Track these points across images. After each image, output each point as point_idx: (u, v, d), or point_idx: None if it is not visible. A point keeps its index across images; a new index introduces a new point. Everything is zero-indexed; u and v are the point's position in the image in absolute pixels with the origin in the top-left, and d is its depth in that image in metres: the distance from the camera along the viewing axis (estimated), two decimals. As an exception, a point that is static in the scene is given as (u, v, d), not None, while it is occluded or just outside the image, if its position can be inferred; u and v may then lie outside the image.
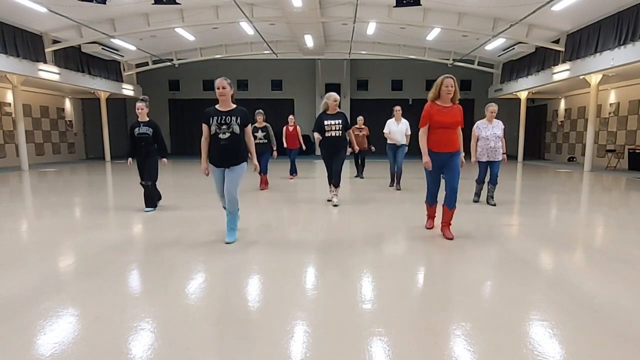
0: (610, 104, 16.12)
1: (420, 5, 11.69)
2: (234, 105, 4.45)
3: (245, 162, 4.47)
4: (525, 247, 4.44)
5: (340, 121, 6.55)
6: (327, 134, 6.57)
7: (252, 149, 4.58)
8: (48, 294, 3.04)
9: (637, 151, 14.10)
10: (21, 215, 6.42)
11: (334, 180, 6.83)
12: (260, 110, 8.84)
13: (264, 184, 8.89)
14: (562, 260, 4.02)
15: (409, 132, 8.79)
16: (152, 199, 6.38)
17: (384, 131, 8.88)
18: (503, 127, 6.84)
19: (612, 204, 7.64)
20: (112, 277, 3.46)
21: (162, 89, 24.57)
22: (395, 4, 11.66)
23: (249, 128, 4.50)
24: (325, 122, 6.56)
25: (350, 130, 6.85)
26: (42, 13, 12.15)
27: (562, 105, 19.85)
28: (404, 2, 11.51)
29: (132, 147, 6.14)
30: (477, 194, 7.24)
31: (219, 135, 4.32)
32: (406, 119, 9.00)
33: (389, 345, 2.31)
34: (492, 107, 6.79)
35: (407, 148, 8.86)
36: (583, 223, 5.97)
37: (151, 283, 3.43)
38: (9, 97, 15.67)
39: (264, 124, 8.79)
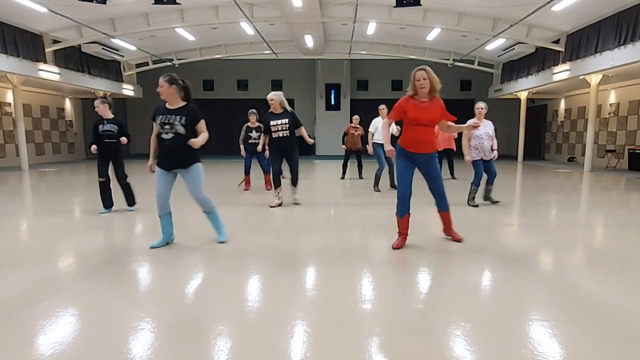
0: (610, 104, 16.12)
1: (420, 5, 11.68)
2: (184, 103, 4.18)
3: (199, 163, 4.25)
4: (525, 247, 4.44)
5: (286, 120, 6.38)
6: (274, 135, 6.43)
7: (198, 143, 4.15)
8: (48, 294, 3.04)
9: (637, 151, 14.09)
10: (21, 215, 6.42)
11: (293, 180, 6.83)
12: (254, 110, 8.63)
13: (268, 184, 8.74)
14: (562, 261, 4.02)
15: (395, 131, 8.68)
16: (132, 196, 6.46)
17: (369, 129, 8.57)
18: (494, 126, 6.85)
19: (612, 204, 7.64)
20: (112, 276, 3.46)
21: (162, 89, 24.51)
22: (395, 4, 11.66)
23: (202, 123, 4.20)
24: (271, 123, 6.43)
25: (302, 128, 6.62)
26: (42, 13, 12.14)
27: (562, 105, 19.85)
28: (404, 2, 11.50)
29: (96, 143, 6.12)
30: (474, 198, 6.88)
31: (162, 136, 4.11)
32: None
33: (389, 345, 2.31)
34: (479, 104, 6.59)
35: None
36: (583, 223, 5.97)
37: (151, 283, 3.43)
38: (9, 97, 15.67)
39: (257, 124, 8.52)
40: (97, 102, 6.14)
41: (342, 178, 10.95)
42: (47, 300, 2.91)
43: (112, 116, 6.16)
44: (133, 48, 16.86)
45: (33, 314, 2.66)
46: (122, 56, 18.06)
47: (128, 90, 20.17)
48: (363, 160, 10.77)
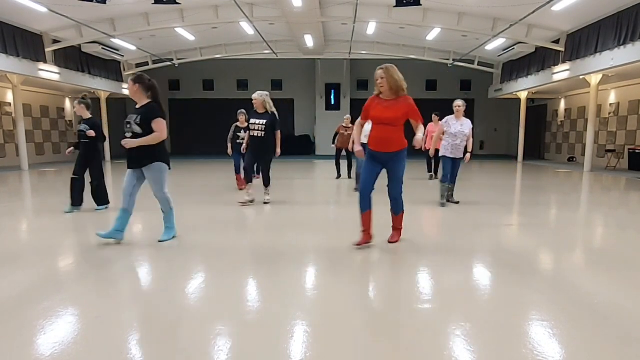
0: (610, 104, 16.12)
1: (420, 5, 11.68)
2: (146, 102, 4.22)
3: (159, 162, 4.24)
4: (524, 247, 4.44)
5: (264, 122, 6.44)
6: (251, 133, 6.57)
7: (133, 143, 4.16)
8: (48, 294, 3.04)
9: (637, 151, 14.09)
10: (21, 214, 6.42)
11: (264, 181, 6.89)
12: (243, 110, 8.61)
13: (240, 182, 8.63)
14: (562, 261, 4.02)
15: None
16: (101, 197, 6.46)
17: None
18: (472, 126, 6.58)
19: (612, 204, 7.64)
20: (112, 276, 3.46)
21: (162, 89, 24.02)
22: (395, 4, 11.65)
23: (157, 122, 4.17)
24: (250, 121, 6.56)
25: (278, 132, 6.61)
26: (42, 13, 12.14)
27: (562, 105, 19.85)
28: (404, 2, 11.50)
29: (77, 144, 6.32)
30: (444, 196, 6.71)
31: (125, 135, 4.19)
32: None
33: (389, 345, 2.31)
34: (457, 102, 6.45)
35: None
36: (583, 223, 5.97)
37: (151, 283, 3.43)
38: (9, 97, 15.66)
39: (246, 124, 8.37)
40: (75, 103, 6.28)
41: (338, 177, 10.99)
42: (47, 300, 2.91)
43: (89, 116, 6.22)
44: (133, 48, 16.85)
45: (33, 314, 2.66)
46: (122, 56, 18.06)
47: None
48: (353, 159, 10.77)
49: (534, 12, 12.27)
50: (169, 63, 19.50)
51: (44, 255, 4.10)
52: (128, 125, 4.15)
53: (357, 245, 4.17)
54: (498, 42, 15.82)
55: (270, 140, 6.54)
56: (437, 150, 10.17)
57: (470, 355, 2.19)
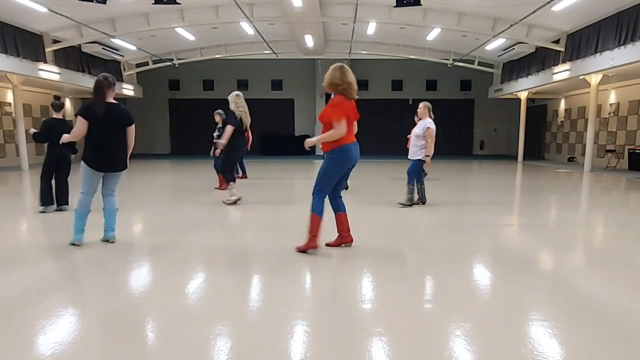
0: (610, 104, 16.11)
1: (420, 5, 11.67)
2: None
3: (82, 161, 4.29)
4: (524, 247, 4.44)
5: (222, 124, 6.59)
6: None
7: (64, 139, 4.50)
8: (48, 294, 3.04)
9: (637, 151, 14.09)
10: (21, 214, 6.41)
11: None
12: (219, 111, 8.72)
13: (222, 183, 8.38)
14: (561, 261, 4.02)
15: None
16: (63, 196, 6.35)
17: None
18: (426, 126, 6.32)
19: (612, 204, 7.64)
20: (112, 276, 3.46)
21: (162, 89, 24.55)
22: (395, 4, 11.64)
23: (76, 121, 4.30)
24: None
25: (226, 129, 6.55)
26: (42, 13, 12.13)
27: (562, 105, 19.84)
28: (404, 2, 11.49)
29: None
30: (411, 197, 6.64)
31: None
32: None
33: (388, 345, 2.31)
34: (420, 104, 6.58)
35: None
36: (583, 223, 5.97)
37: (152, 283, 3.43)
38: (9, 97, 15.65)
39: (220, 124, 8.54)
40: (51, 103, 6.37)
41: None
42: (47, 300, 2.91)
43: (60, 117, 6.23)
44: (133, 48, 16.85)
45: (33, 314, 2.66)
46: (122, 56, 18.05)
47: (128, 90, 20.16)
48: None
49: (534, 12, 12.27)
50: (169, 63, 19.50)
51: (44, 256, 4.10)
52: None
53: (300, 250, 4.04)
54: (498, 42, 15.82)
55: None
56: None
57: (470, 355, 2.19)
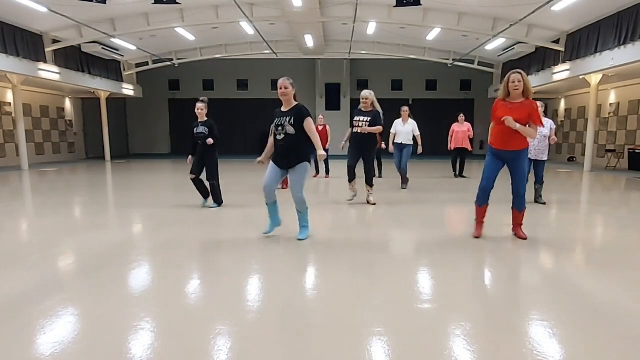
0: (610, 104, 16.12)
1: (420, 5, 11.68)
2: (295, 104, 4.44)
3: (307, 162, 4.44)
4: (524, 246, 4.44)
5: (368, 118, 6.60)
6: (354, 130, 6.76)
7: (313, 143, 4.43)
8: (48, 293, 3.04)
9: (637, 151, 14.09)
10: (21, 214, 6.42)
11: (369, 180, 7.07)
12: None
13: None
14: (562, 260, 4.02)
15: (417, 133, 9.00)
16: (217, 196, 6.59)
17: (391, 131, 9.10)
18: (553, 126, 6.96)
19: (612, 204, 7.64)
20: (113, 276, 3.46)
21: (162, 89, 24.55)
22: (395, 4, 11.65)
23: (309, 121, 4.37)
24: (355, 118, 6.79)
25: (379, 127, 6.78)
26: (42, 13, 12.13)
27: (562, 105, 19.84)
28: (404, 2, 11.49)
29: (192, 145, 6.46)
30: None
31: (277, 137, 4.42)
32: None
33: (388, 345, 2.31)
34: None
35: (412, 149, 9.01)
36: (583, 223, 5.97)
37: (152, 283, 3.42)
38: (9, 97, 15.65)
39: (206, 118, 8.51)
40: (199, 105, 6.52)
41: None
42: (48, 300, 2.91)
43: (205, 119, 6.47)
44: (133, 48, 16.85)
45: (33, 314, 2.66)
46: (122, 56, 18.05)
47: (128, 90, 20.16)
48: (383, 159, 11.14)
49: (534, 12, 12.27)
50: (169, 63, 19.50)
51: (45, 255, 4.10)
52: (280, 128, 4.36)
53: (475, 237, 4.59)
54: (498, 42, 15.82)
55: (374, 135, 6.71)
56: (464, 149, 10.77)
57: (470, 355, 2.19)
